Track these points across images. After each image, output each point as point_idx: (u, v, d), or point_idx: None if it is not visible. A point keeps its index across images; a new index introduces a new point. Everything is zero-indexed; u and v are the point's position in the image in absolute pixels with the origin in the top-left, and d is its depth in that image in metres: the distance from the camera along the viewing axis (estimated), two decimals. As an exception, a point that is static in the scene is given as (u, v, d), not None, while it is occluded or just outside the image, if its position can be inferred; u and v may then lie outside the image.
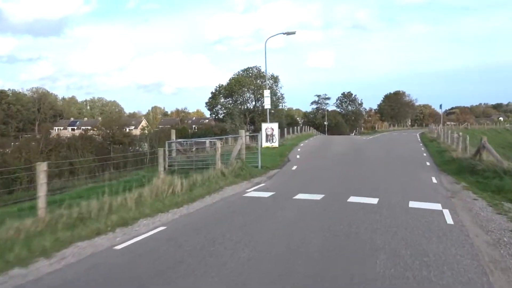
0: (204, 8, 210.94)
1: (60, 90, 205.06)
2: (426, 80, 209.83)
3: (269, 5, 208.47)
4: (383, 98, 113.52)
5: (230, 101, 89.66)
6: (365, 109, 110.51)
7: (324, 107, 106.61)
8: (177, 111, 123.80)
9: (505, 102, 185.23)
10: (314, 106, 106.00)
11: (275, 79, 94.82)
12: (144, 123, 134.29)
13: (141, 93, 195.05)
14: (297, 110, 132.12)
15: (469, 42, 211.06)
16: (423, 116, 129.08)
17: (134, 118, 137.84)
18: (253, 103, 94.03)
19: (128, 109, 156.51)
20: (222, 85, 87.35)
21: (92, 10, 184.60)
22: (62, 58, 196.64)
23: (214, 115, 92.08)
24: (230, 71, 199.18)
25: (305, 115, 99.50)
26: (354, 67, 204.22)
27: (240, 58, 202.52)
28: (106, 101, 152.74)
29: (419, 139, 41.39)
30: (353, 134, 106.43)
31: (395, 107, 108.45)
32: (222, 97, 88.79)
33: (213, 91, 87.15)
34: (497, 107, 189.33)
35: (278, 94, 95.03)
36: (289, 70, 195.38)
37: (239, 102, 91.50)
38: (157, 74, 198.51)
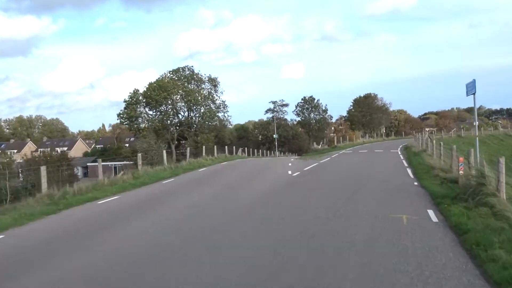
0: (173, 25, 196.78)
1: (30, 111, 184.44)
2: (396, 87, 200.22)
3: (239, 20, 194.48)
4: (352, 103, 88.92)
5: (154, 113, 64.10)
6: (331, 116, 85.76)
7: (282, 116, 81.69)
8: (113, 127, 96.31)
9: (476, 106, 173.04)
10: (270, 115, 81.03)
11: (214, 82, 69.53)
12: (80, 143, 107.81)
13: (114, 110, 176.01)
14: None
15: (433, 49, 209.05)
16: (398, 123, 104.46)
17: (65, 138, 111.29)
18: (185, 113, 68.64)
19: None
20: (138, 91, 61.57)
21: (60, 29, 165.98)
22: (31, 78, 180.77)
23: (134, 131, 66.16)
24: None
25: (255, 127, 73.93)
26: (325, 77, 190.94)
27: (212, 72, 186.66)
28: (46, 120, 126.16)
29: (411, 174, 16.15)
30: (319, 145, 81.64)
31: (367, 113, 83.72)
32: (143, 107, 63.18)
33: (127, 99, 61.18)
34: (470, 111, 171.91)
35: (218, 102, 69.74)
36: (263, 83, 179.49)
37: (170, 112, 66.00)
38: (129, 91, 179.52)
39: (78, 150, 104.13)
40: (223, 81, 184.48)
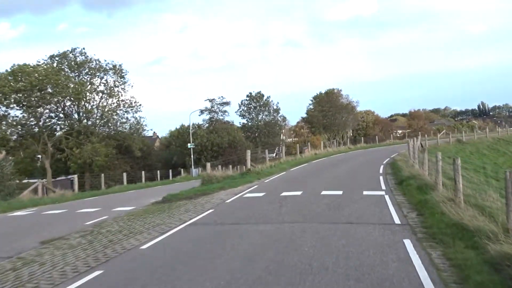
0: (137, 30, 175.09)
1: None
2: (360, 90, 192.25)
3: (205, 24, 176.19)
4: (312, 101, 67.64)
5: (26, 115, 41.30)
6: (284, 117, 64.70)
7: (222, 117, 59.86)
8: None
9: (441, 107, 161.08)
10: (206, 116, 59.09)
11: (118, 71, 47.16)
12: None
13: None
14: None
15: (393, 53, 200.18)
16: (366, 125, 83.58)
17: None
18: (76, 115, 46.00)
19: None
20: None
21: (20, 35, 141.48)
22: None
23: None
24: (168, 90, 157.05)
25: (179, 133, 51.68)
26: (291, 81, 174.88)
27: (179, 78, 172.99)
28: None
29: None
30: (274, 154, 61.13)
31: (328, 113, 62.63)
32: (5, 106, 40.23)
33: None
34: (436, 111, 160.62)
35: (124, 98, 47.39)
36: (231, 88, 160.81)
37: (50, 115, 43.52)
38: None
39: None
40: (191, 87, 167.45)
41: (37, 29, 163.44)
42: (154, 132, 77.83)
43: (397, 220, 7.90)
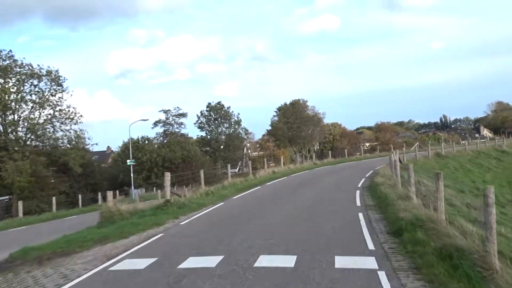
0: (103, 44, 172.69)
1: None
2: (326, 104, 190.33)
3: (172, 39, 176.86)
4: (276, 112, 62.11)
5: None
6: (246, 130, 59.22)
7: (178, 130, 53.69)
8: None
9: (405, 120, 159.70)
10: (160, 129, 52.77)
11: (55, 78, 40.19)
12: None
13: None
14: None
15: (357, 68, 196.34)
16: (333, 138, 79.10)
17: None
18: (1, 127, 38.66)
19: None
20: None
21: None
22: None
23: None
24: (135, 103, 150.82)
25: (127, 147, 45.00)
26: (258, 95, 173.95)
27: (145, 91, 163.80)
28: None
29: None
30: (238, 169, 56.30)
31: (293, 125, 57.29)
32: None
33: None
34: (400, 124, 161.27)
35: (64, 108, 40.38)
36: (197, 101, 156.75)
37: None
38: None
39: None
40: (157, 100, 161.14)
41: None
42: (108, 146, 70.62)
43: None
